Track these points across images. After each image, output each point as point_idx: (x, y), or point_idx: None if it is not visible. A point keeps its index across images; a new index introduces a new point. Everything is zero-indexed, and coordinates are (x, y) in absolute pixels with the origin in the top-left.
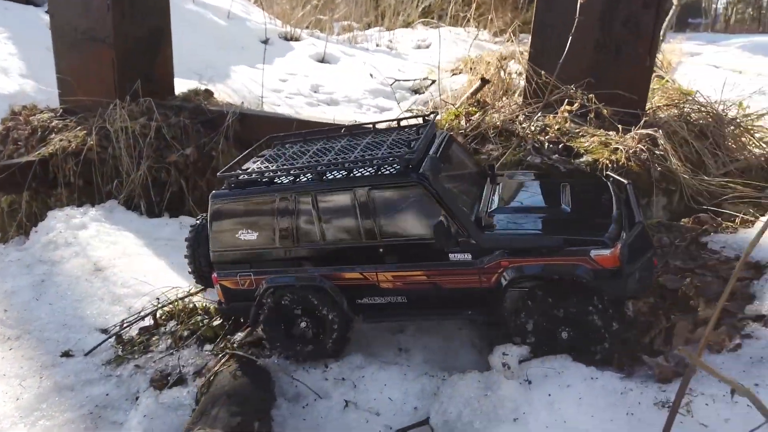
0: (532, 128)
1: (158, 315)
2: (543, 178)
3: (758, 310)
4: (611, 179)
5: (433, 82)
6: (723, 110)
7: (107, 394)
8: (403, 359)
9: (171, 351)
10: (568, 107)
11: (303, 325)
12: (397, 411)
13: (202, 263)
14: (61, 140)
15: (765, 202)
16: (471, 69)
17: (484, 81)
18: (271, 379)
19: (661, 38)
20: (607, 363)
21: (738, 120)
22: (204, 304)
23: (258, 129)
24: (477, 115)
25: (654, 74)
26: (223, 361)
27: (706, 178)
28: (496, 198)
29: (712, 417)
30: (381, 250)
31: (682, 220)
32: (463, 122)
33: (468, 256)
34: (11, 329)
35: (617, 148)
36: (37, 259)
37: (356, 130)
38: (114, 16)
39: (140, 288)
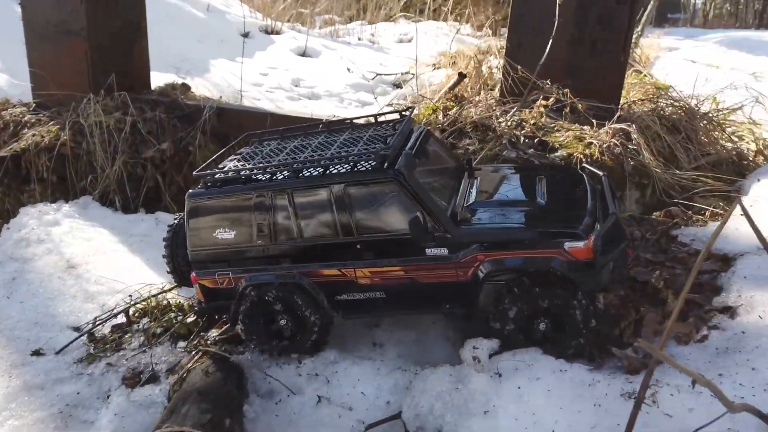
0: (508, 123)
1: (131, 312)
2: (520, 171)
3: (725, 302)
4: (587, 171)
5: (414, 76)
6: (696, 105)
7: (78, 393)
8: (377, 354)
9: (144, 348)
10: (543, 102)
11: (283, 322)
12: (369, 406)
13: (180, 263)
14: (33, 135)
15: (735, 195)
16: (451, 63)
17: (461, 76)
18: (243, 376)
19: (639, 33)
20: (577, 355)
21: (710, 114)
22: (178, 301)
23: (236, 123)
24: (454, 110)
25: (632, 69)
26: (196, 358)
27: (677, 172)
28: (473, 192)
29: (676, 407)
30: (358, 246)
31: (654, 213)
32: (440, 117)
33: (444, 251)
34: None
35: (591, 143)
36: (8, 256)
37: (334, 127)
38: (88, 8)
39: (114, 285)
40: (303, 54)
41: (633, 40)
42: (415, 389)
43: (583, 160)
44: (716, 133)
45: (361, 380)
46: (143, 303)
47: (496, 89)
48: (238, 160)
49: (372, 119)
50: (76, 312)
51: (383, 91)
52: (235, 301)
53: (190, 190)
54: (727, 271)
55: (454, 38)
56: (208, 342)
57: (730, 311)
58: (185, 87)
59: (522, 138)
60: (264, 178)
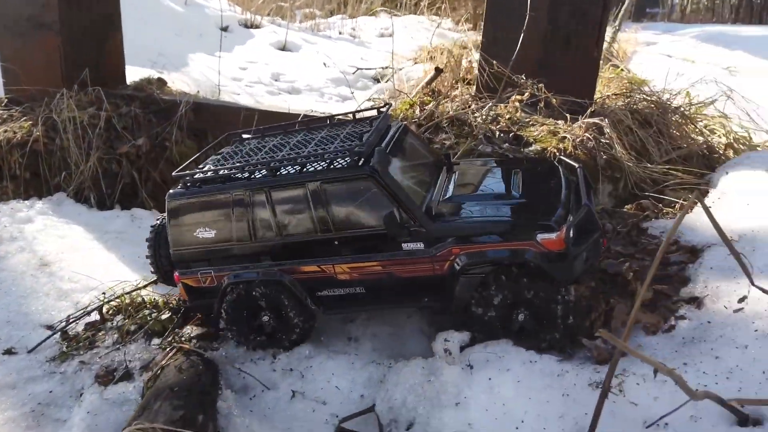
0: (484, 118)
1: (105, 310)
2: (498, 165)
3: (692, 292)
4: (563, 164)
5: (398, 70)
6: (668, 99)
7: (51, 392)
8: (352, 348)
9: (117, 346)
10: (518, 97)
11: (266, 319)
12: (343, 399)
13: (163, 263)
14: (5, 131)
15: (704, 188)
16: (430, 58)
17: (438, 71)
18: (218, 372)
19: (617, 28)
20: (549, 348)
21: (682, 109)
22: (152, 298)
23: (213, 118)
24: (431, 104)
25: (609, 64)
26: (170, 355)
27: (649, 165)
28: (450, 186)
29: (642, 396)
30: (336, 242)
31: (626, 206)
32: (417, 112)
33: (420, 245)
34: None
35: (565, 137)
36: None
37: (313, 124)
38: (60, 2)
39: (88, 283)
40: (283, 48)
41: (611, 35)
42: (389, 382)
43: (557, 154)
44: (688, 126)
45: (336, 374)
46: (117, 300)
47: (473, 84)
48: (218, 160)
49: (350, 116)
50: (49, 310)
51: (364, 86)
52: (218, 299)
53: (171, 191)
54: (695, 263)
55: (434, 33)
56: (183, 339)
57: (696, 302)
58: (161, 82)
59: (497, 132)
60: (242, 177)
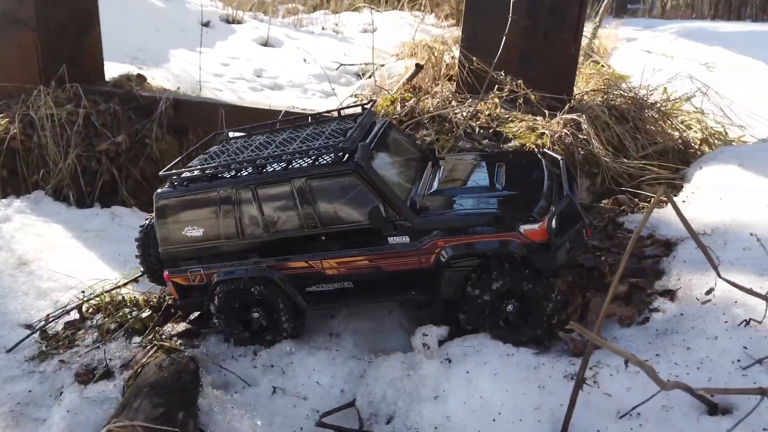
0: (464, 114)
1: (84, 308)
2: (483, 159)
3: (665, 285)
4: (546, 156)
5: (380, 66)
6: (645, 95)
7: (30, 391)
8: (333, 344)
9: (97, 345)
10: (498, 93)
11: (256, 315)
12: (324, 395)
13: (153, 262)
14: None
15: (679, 183)
16: (411, 54)
17: (419, 67)
18: (198, 370)
19: (597, 24)
20: (528, 343)
21: (658, 105)
22: (132, 297)
23: (193, 115)
24: (411, 101)
25: (590, 60)
26: (151, 353)
27: (626, 160)
28: (435, 181)
29: (615, 387)
30: (323, 238)
31: (603, 201)
32: (398, 108)
33: (406, 239)
34: None
35: (543, 133)
36: None
37: (299, 122)
38: None
39: (67, 281)
40: (265, 44)
41: (592, 31)
42: (369, 377)
43: (536, 150)
44: (665, 122)
45: (317, 370)
46: (97, 299)
47: (455, 80)
48: (206, 159)
49: (335, 113)
50: (27, 309)
51: (347, 82)
52: (208, 297)
53: (158, 190)
54: (669, 256)
55: (417, 28)
56: (164, 337)
57: (670, 294)
58: (141, 78)
59: (477, 129)
60: (229, 176)
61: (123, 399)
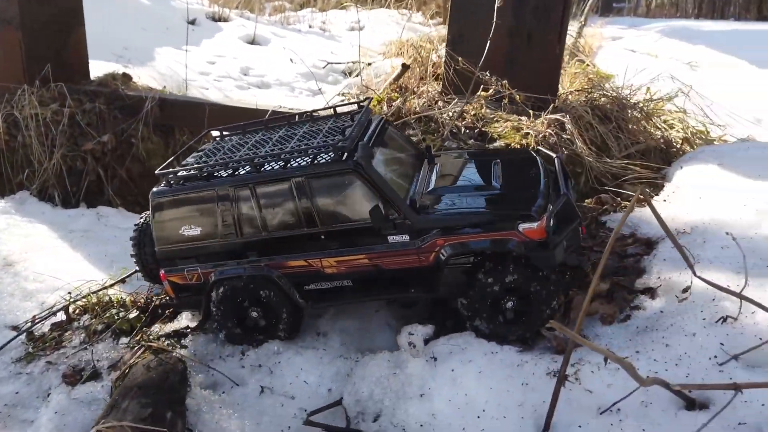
0: (450, 114)
1: (71, 309)
2: (478, 156)
3: (646, 283)
4: (541, 154)
5: (366, 65)
6: (628, 95)
7: (17, 393)
8: (321, 343)
9: (85, 346)
10: (483, 93)
11: (254, 314)
12: (312, 394)
13: (149, 261)
14: None
15: (661, 182)
16: (400, 53)
17: (405, 67)
18: (186, 369)
19: (583, 23)
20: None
21: (641, 105)
22: (119, 297)
23: (179, 114)
24: (398, 101)
25: (575, 59)
26: (138, 353)
27: (608, 160)
28: (432, 179)
29: (596, 383)
30: (322, 236)
31: (586, 200)
32: (385, 108)
33: (405, 237)
34: None
35: (528, 133)
36: None
37: (294, 120)
38: None
39: (53, 282)
40: (252, 42)
41: (577, 30)
42: (356, 376)
43: (530, 147)
44: (647, 122)
45: (304, 369)
46: (84, 300)
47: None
48: (200, 157)
49: (331, 111)
50: (14, 310)
51: (335, 80)
52: (205, 296)
53: (154, 189)
54: (650, 254)
55: (404, 26)
56: (151, 337)
57: (651, 292)
58: (126, 77)
59: (463, 129)
60: (226, 174)
61: (111, 400)
